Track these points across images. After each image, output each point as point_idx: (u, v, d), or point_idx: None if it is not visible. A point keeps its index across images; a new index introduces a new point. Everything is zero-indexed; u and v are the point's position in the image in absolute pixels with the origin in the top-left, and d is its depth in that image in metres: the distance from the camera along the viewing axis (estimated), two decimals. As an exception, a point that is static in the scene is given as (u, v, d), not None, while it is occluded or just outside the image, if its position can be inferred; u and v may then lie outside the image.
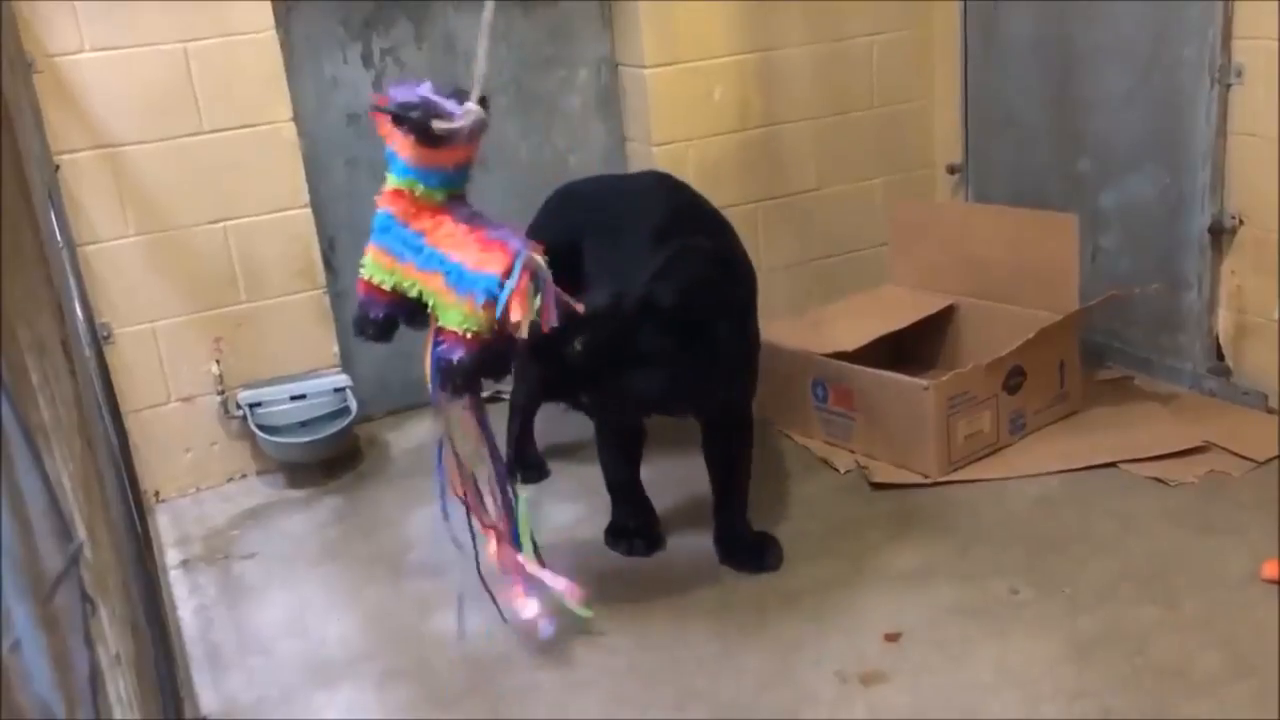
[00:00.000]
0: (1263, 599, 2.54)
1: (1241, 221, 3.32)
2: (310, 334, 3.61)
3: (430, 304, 2.42)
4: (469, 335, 2.36)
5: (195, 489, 3.54)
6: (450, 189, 2.45)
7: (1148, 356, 3.66)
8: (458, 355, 2.38)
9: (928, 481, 3.17)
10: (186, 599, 2.98)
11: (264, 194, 3.46)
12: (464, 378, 2.43)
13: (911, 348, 3.68)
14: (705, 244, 2.78)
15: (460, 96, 2.42)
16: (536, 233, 2.80)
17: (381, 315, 2.53)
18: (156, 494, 3.49)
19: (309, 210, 3.54)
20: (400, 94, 2.39)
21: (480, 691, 2.51)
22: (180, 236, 3.39)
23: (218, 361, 3.49)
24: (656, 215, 2.91)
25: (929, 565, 2.81)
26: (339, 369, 3.66)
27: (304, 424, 3.55)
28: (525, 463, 3.44)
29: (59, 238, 2.43)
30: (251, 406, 3.51)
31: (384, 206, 2.45)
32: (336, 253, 3.74)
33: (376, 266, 2.48)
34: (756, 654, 2.54)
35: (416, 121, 2.32)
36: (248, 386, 3.53)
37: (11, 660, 0.61)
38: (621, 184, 3.31)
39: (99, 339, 3.10)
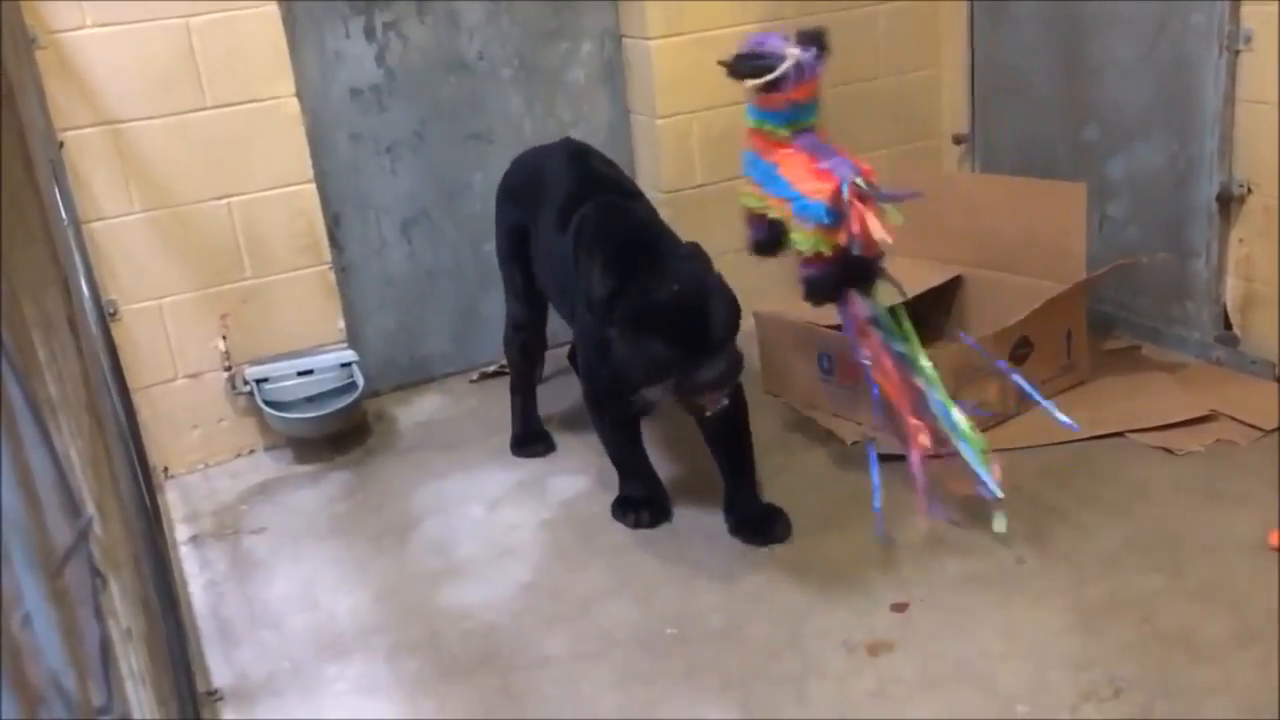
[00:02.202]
0: (1269, 567, 2.54)
1: (1250, 189, 3.30)
2: (316, 309, 3.62)
3: (788, 228, 2.70)
4: (818, 255, 2.64)
5: (204, 465, 3.55)
6: (795, 124, 2.71)
7: (1155, 326, 3.65)
8: (811, 273, 2.70)
9: (935, 452, 3.16)
10: (197, 574, 3.00)
11: (268, 169, 3.46)
12: (822, 292, 2.75)
13: (919, 318, 3.65)
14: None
15: (806, 41, 2.65)
16: (499, 228, 3.32)
17: (764, 236, 2.84)
18: (165, 470, 3.50)
19: (313, 185, 3.54)
20: (749, 44, 2.69)
21: (490, 664, 2.52)
22: (185, 213, 3.39)
23: (224, 338, 3.49)
24: (566, 185, 3.08)
25: (936, 536, 2.81)
26: (345, 344, 3.66)
27: (311, 399, 3.56)
28: (530, 436, 3.45)
29: (64, 214, 2.43)
30: (259, 382, 3.51)
31: (747, 145, 2.81)
32: (341, 228, 3.74)
33: (749, 195, 2.83)
34: (764, 625, 2.55)
35: (739, 70, 2.66)
36: (254, 362, 3.54)
37: (23, 634, 0.62)
38: (539, 159, 3.31)
39: (105, 316, 3.10)
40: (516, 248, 3.25)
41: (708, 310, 2.62)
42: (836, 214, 2.55)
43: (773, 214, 2.74)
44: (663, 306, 2.60)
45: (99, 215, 3.29)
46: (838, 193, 2.54)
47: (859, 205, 2.53)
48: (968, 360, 3.17)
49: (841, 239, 2.57)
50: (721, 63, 2.68)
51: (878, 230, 2.53)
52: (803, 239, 2.63)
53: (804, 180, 2.64)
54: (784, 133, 2.70)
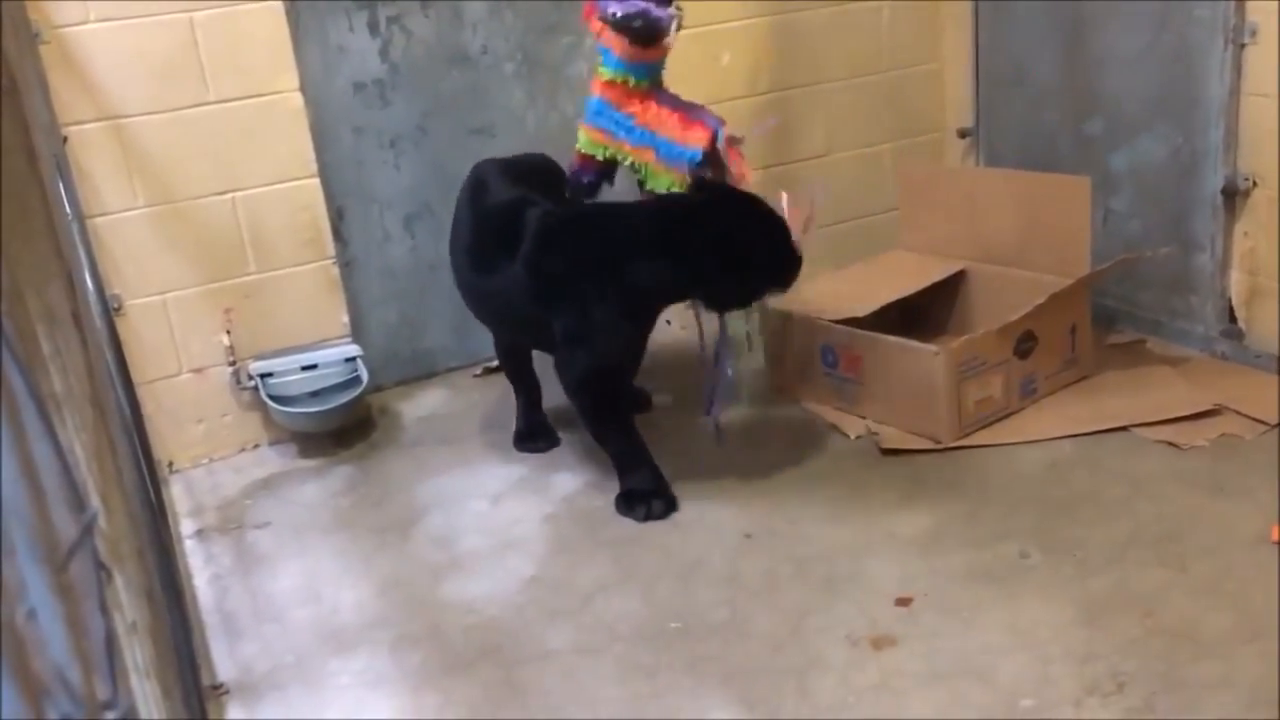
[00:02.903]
0: (1272, 561, 2.54)
1: (1255, 183, 3.30)
2: (320, 304, 3.62)
3: (641, 172, 3.08)
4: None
5: (208, 459, 3.56)
6: (654, 79, 3.07)
7: (1159, 320, 3.64)
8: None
9: (938, 447, 3.17)
10: (201, 568, 3.01)
11: (271, 164, 3.46)
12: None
13: (922, 313, 3.67)
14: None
15: (665, 2, 2.98)
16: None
17: (593, 179, 3.18)
18: (170, 465, 3.51)
19: (317, 180, 3.54)
20: (617, 5, 2.94)
21: (492, 657, 2.53)
22: (189, 207, 3.39)
23: (228, 332, 3.50)
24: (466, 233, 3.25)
25: (939, 530, 2.81)
26: (349, 339, 3.66)
27: (315, 394, 3.56)
28: (533, 431, 3.45)
29: (68, 209, 2.43)
30: (263, 377, 3.52)
31: (597, 94, 3.08)
32: (344, 222, 3.74)
33: (590, 142, 3.13)
34: (767, 619, 2.55)
35: (638, 30, 2.93)
36: (259, 357, 3.54)
37: (27, 627, 0.62)
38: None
39: (110, 310, 3.11)
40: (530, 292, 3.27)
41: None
42: (707, 159, 2.96)
43: (624, 159, 3.09)
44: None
45: (103, 210, 3.29)
46: (712, 140, 2.96)
47: (732, 149, 2.99)
48: (971, 352, 3.17)
49: (732, 173, 3.00)
50: (616, 21, 2.94)
51: (746, 170, 3.03)
52: (667, 180, 3.01)
53: (673, 129, 3.00)
54: (645, 85, 3.03)
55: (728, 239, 2.86)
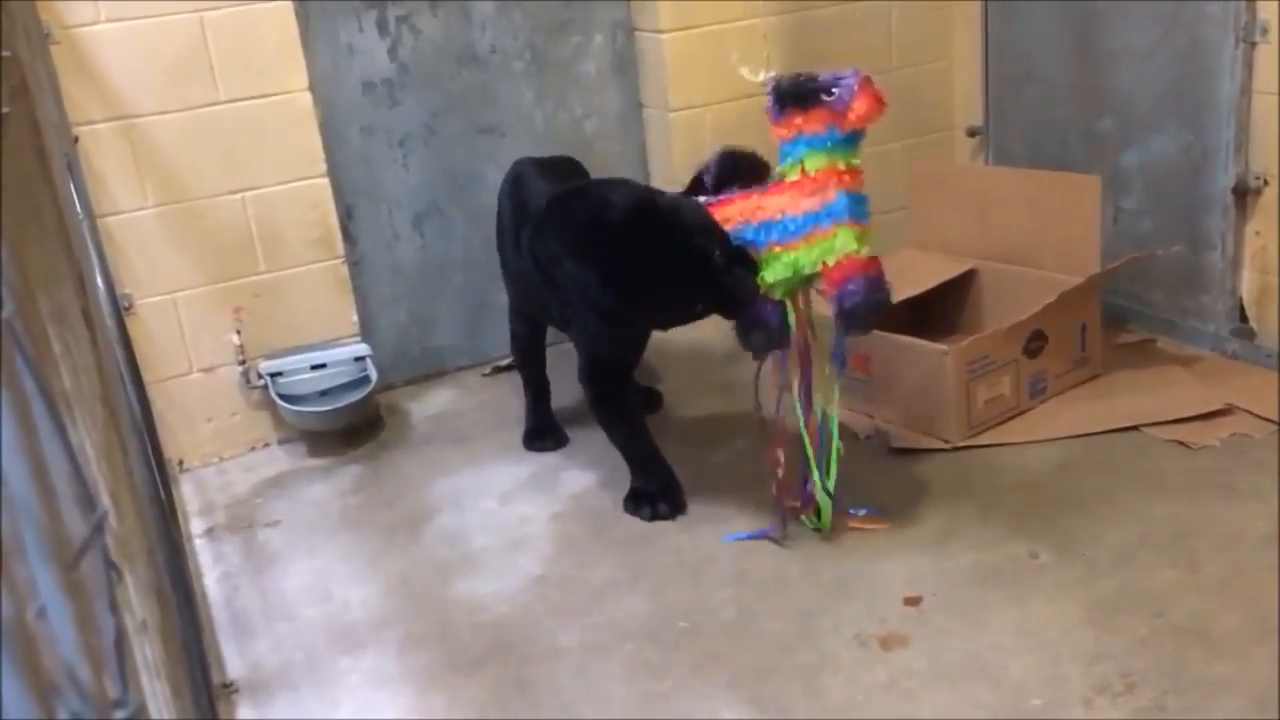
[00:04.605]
0: (1285, 561, 2.53)
1: (1266, 182, 3.28)
2: (330, 303, 3.63)
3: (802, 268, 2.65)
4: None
5: (218, 458, 3.57)
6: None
7: (1170, 319, 3.63)
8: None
9: (947, 446, 3.16)
10: (211, 566, 3.01)
11: (281, 163, 3.46)
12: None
13: (932, 312, 3.66)
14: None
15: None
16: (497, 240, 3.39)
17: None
18: (180, 463, 3.52)
19: (326, 179, 3.55)
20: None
21: (501, 655, 2.53)
22: (199, 207, 3.40)
23: (238, 331, 3.50)
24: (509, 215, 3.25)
25: (949, 529, 2.81)
26: (359, 338, 3.67)
27: (325, 393, 3.57)
28: (543, 430, 3.45)
29: (79, 208, 2.44)
30: (273, 376, 3.53)
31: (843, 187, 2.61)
32: (354, 221, 3.75)
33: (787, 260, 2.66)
34: (776, 619, 2.55)
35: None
36: (268, 356, 3.55)
37: (38, 626, 0.62)
38: (503, 186, 3.37)
39: (120, 309, 3.11)
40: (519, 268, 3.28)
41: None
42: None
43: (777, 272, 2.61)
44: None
45: (114, 209, 3.30)
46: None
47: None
48: (981, 352, 3.16)
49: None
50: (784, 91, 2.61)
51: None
52: (828, 251, 2.57)
53: (796, 201, 2.60)
54: (852, 160, 2.62)
55: (634, 246, 2.67)
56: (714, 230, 2.66)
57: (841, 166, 2.59)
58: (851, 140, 2.60)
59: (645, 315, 2.86)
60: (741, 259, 2.64)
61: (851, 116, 2.55)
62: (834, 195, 2.58)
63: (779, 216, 2.62)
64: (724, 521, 2.93)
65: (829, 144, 2.58)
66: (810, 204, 2.59)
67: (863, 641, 2.44)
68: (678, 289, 2.67)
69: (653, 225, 2.67)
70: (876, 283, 2.62)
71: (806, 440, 2.77)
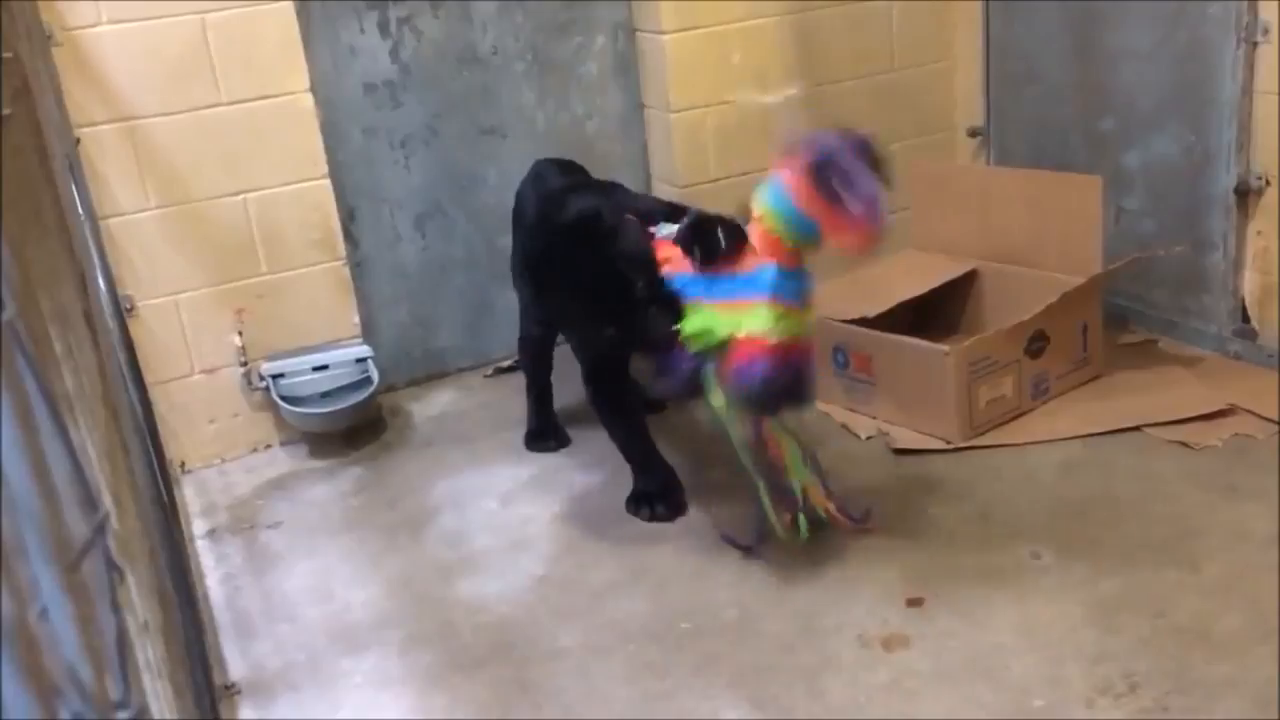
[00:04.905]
0: (1287, 562, 2.53)
1: (1268, 182, 3.28)
2: (331, 304, 3.63)
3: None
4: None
5: (220, 460, 3.57)
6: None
7: (1172, 319, 3.63)
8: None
9: (949, 447, 3.16)
10: (213, 568, 3.01)
11: (283, 164, 3.46)
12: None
13: (933, 313, 3.66)
14: None
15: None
16: (513, 243, 3.40)
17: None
18: (182, 465, 3.52)
19: (328, 180, 3.55)
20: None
21: (503, 656, 2.53)
22: (201, 208, 3.41)
23: (240, 333, 3.51)
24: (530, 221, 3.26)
25: (951, 530, 2.81)
26: (360, 339, 3.67)
27: (326, 394, 3.57)
28: (544, 431, 3.45)
29: (80, 210, 2.44)
30: (274, 377, 3.53)
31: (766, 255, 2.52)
32: (355, 222, 3.75)
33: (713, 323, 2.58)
34: (777, 619, 2.55)
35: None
36: (270, 358, 3.55)
37: (40, 626, 0.62)
38: (523, 188, 3.39)
39: (122, 310, 3.12)
40: (522, 267, 3.28)
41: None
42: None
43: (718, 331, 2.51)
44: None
45: (116, 211, 3.30)
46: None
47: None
48: (982, 352, 3.16)
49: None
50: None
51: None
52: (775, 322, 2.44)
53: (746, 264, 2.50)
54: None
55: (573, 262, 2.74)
56: (646, 264, 2.60)
57: (790, 244, 2.49)
58: (813, 234, 2.49)
59: (554, 315, 3.10)
60: (666, 301, 2.57)
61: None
62: (766, 266, 2.48)
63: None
64: (725, 523, 2.93)
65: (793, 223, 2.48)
66: (747, 268, 2.50)
67: (865, 642, 2.44)
68: (588, 304, 2.72)
69: (587, 236, 2.74)
70: (782, 371, 2.46)
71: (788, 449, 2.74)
